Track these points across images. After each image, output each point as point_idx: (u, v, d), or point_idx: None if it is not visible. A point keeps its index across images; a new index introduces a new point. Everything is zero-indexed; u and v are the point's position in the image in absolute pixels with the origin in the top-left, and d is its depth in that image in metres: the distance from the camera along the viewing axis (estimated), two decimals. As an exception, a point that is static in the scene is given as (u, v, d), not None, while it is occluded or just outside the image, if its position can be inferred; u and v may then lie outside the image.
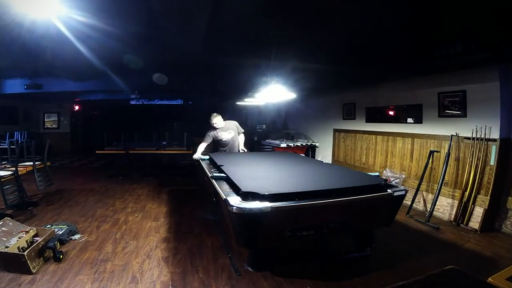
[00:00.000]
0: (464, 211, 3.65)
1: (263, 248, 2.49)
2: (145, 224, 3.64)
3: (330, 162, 6.06)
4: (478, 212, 3.52)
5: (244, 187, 2.29)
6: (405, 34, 2.90)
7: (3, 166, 4.16)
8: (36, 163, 4.37)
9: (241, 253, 2.79)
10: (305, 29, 2.83)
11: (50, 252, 2.65)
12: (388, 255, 2.89)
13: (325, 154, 6.95)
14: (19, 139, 6.72)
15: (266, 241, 2.30)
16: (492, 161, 3.44)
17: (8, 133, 6.97)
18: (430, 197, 4.19)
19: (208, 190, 3.38)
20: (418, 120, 4.48)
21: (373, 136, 5.43)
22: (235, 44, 3.30)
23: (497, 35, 2.67)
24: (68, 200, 4.63)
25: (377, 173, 3.13)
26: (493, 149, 3.43)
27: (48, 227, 3.08)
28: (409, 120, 4.67)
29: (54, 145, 8.52)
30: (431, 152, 4.06)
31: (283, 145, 6.79)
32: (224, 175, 2.81)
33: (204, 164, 3.75)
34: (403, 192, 2.53)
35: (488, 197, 3.44)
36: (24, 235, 2.70)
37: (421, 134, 4.41)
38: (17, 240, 2.59)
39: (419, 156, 4.45)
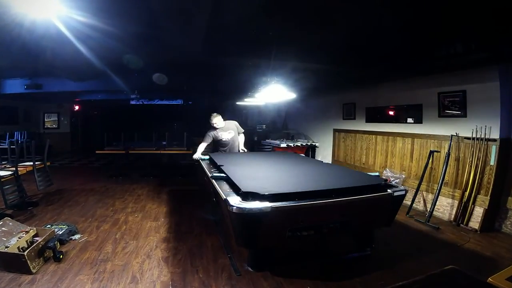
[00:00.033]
0: (464, 211, 3.65)
1: (263, 248, 2.49)
2: (145, 224, 3.64)
3: (330, 162, 6.06)
4: (478, 212, 3.52)
5: (244, 187, 2.29)
6: (405, 34, 2.90)
7: (3, 166, 4.16)
8: (36, 163, 4.37)
9: (241, 253, 2.79)
10: (305, 29, 2.83)
11: (50, 252, 2.65)
12: (388, 255, 2.89)
13: (325, 154, 6.95)
14: (19, 139, 6.72)
15: (266, 241, 2.30)
16: (492, 161, 3.44)
17: (8, 133, 6.97)
18: (430, 197, 4.19)
19: (208, 190, 3.38)
20: (418, 120, 4.48)
21: (373, 136, 5.43)
22: (235, 44, 3.30)
23: (497, 35, 2.67)
24: (68, 200, 4.63)
25: (377, 173, 3.13)
26: (493, 149, 3.43)
27: (48, 227, 3.08)
28: (409, 120, 4.67)
29: (54, 145, 8.52)
30: (431, 152, 4.06)
31: (283, 145, 6.79)
32: (224, 175, 2.81)
33: (204, 164, 3.75)
34: (403, 192, 2.53)
35: (488, 197, 3.44)
36: (24, 235, 2.70)
37: (421, 134, 4.42)
38: (17, 240, 2.59)
39: (419, 156, 4.45)
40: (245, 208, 2.06)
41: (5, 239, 2.61)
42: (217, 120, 4.38)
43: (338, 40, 3.19)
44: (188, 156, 6.30)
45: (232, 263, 2.65)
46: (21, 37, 2.69)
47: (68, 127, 11.11)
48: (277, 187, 2.37)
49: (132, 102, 9.50)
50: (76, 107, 10.98)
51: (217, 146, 4.61)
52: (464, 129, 3.73)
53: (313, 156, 7.13)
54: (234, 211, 2.07)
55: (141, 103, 9.73)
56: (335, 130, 6.67)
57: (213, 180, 2.74)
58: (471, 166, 3.61)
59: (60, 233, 3.05)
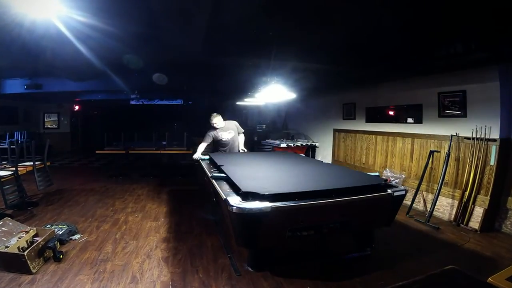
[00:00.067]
0: (464, 211, 3.65)
1: (263, 248, 2.49)
2: (145, 224, 3.64)
3: (330, 162, 6.06)
4: (478, 212, 3.52)
5: (244, 187, 2.29)
6: (405, 34, 2.90)
7: (3, 166, 4.16)
8: (36, 163, 4.37)
9: (241, 253, 2.79)
10: (305, 29, 2.83)
11: (50, 252, 2.65)
12: (388, 255, 2.89)
13: (325, 154, 6.95)
14: (19, 139, 6.72)
15: (266, 241, 2.30)
16: (492, 161, 3.44)
17: (8, 133, 6.97)
18: (430, 197, 4.19)
19: (208, 190, 3.38)
20: (418, 120, 4.48)
21: (373, 136, 5.43)
22: (235, 44, 3.30)
23: (497, 35, 2.67)
24: (68, 200, 4.63)
25: (377, 173, 3.13)
26: (493, 149, 3.43)
27: (48, 227, 3.08)
28: (409, 120, 4.67)
29: (54, 145, 8.52)
30: (431, 152, 4.06)
31: (283, 145, 6.79)
32: (224, 175, 2.81)
33: (204, 164, 3.75)
34: (403, 192, 2.53)
35: (488, 197, 3.44)
36: (24, 235, 2.70)
37: (421, 134, 4.41)
38: (17, 240, 2.59)
39: (419, 156, 4.45)
40: (245, 208, 2.06)
41: (5, 239, 2.61)
42: (217, 120, 4.38)
43: (338, 40, 3.19)
44: (188, 156, 6.30)
45: (232, 263, 2.65)
46: (21, 37, 2.69)
47: (68, 127, 11.11)
48: (277, 187, 2.37)
49: (132, 102, 9.50)
50: (76, 107, 10.98)
51: (217, 146, 4.60)
52: (464, 129, 3.73)
53: (313, 156, 7.13)
54: (234, 211, 2.07)
55: (141, 103, 9.73)
56: (335, 130, 6.67)
57: (213, 180, 2.74)
58: (471, 166, 3.61)
59: (60, 233, 3.05)
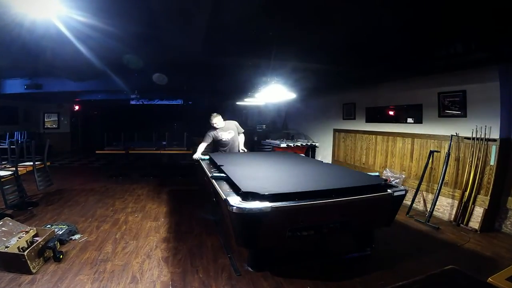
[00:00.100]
0: (464, 211, 3.65)
1: (263, 248, 2.49)
2: (145, 224, 3.64)
3: (330, 162, 6.06)
4: (478, 212, 3.52)
5: (244, 187, 2.29)
6: (405, 34, 2.90)
7: (3, 166, 4.16)
8: (36, 163, 4.37)
9: (241, 253, 2.79)
10: (305, 29, 2.83)
11: (50, 252, 2.65)
12: (388, 255, 2.89)
13: (325, 154, 6.95)
14: (19, 139, 6.72)
15: (266, 241, 2.30)
16: (492, 161, 3.44)
17: (8, 133, 6.97)
18: (430, 197, 4.20)
19: (208, 190, 3.38)
20: (418, 120, 4.48)
21: (373, 136, 5.43)
22: (235, 44, 3.30)
23: (497, 35, 2.67)
24: (68, 200, 4.63)
25: (377, 173, 3.13)
26: (493, 149, 3.43)
27: (48, 227, 3.08)
28: (409, 120, 4.67)
29: (54, 145, 8.52)
30: (431, 152, 4.06)
31: (283, 145, 6.79)
32: (224, 175, 2.81)
33: (204, 164, 3.75)
34: (403, 192, 2.53)
35: (488, 197, 3.44)
36: (24, 235, 2.70)
37: (421, 134, 4.41)
38: (17, 240, 2.59)
39: (419, 156, 4.45)
40: (245, 208, 2.06)
41: (5, 239, 2.61)
42: (217, 120, 4.38)
43: (338, 40, 3.19)
44: (188, 156, 6.30)
45: (232, 263, 2.65)
46: (21, 37, 2.69)
47: (68, 127, 11.11)
48: (277, 187, 2.37)
49: (132, 102, 9.50)
50: (76, 107, 10.98)
51: (217, 146, 4.60)
52: (464, 129, 3.73)
53: (313, 156, 7.13)
54: (234, 211, 2.07)
55: (141, 103, 9.73)
56: (335, 130, 6.67)
57: (213, 180, 2.74)
58: (471, 166, 3.61)
59: (60, 233, 3.05)
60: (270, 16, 2.48)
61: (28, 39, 2.78)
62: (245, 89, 5.76)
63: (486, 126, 3.48)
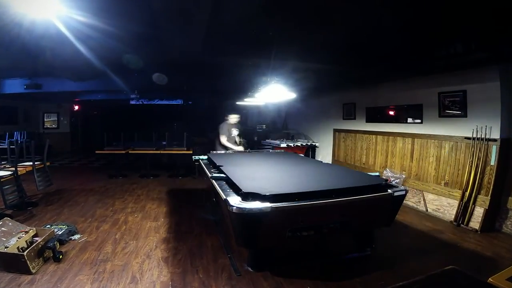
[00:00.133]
0: (464, 211, 3.65)
1: (263, 248, 2.49)
2: (145, 224, 3.64)
3: (330, 162, 6.06)
4: (479, 212, 3.52)
5: (245, 187, 2.29)
6: (405, 34, 2.90)
7: (2, 166, 4.15)
8: (35, 163, 4.37)
9: (241, 253, 2.79)
10: (305, 29, 2.83)
11: (50, 252, 2.65)
12: (388, 255, 2.89)
13: (325, 154, 6.94)
14: (19, 139, 6.70)
15: (266, 241, 2.30)
16: (493, 161, 3.44)
17: (7, 133, 6.96)
18: (430, 196, 4.19)
19: (208, 190, 3.38)
20: (419, 120, 4.48)
21: (373, 136, 5.43)
22: (235, 44, 3.29)
23: (497, 35, 2.66)
24: (68, 200, 4.62)
25: (377, 173, 3.13)
26: (494, 149, 3.43)
27: (48, 227, 3.08)
28: (409, 120, 4.67)
29: (54, 145, 8.51)
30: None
31: (283, 145, 6.78)
32: (224, 175, 2.81)
33: (204, 164, 3.74)
34: (403, 192, 2.52)
35: (489, 197, 3.44)
36: (23, 235, 2.70)
37: (421, 134, 4.41)
38: (17, 240, 2.59)
39: (419, 156, 4.45)
40: (245, 208, 2.05)
41: (4, 239, 2.61)
42: (233, 117, 5.29)
43: (338, 40, 3.19)
44: (188, 156, 6.30)
45: (232, 263, 2.65)
46: (21, 37, 2.69)
47: (68, 127, 11.11)
48: (277, 188, 2.36)
49: (132, 102, 9.49)
50: (76, 107, 10.98)
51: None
52: (465, 129, 3.73)
53: (313, 156, 7.13)
54: (234, 211, 2.07)
55: (141, 103, 9.72)
56: (335, 130, 6.66)
57: (213, 180, 2.74)
58: (471, 166, 3.61)
59: (60, 233, 3.05)
60: (270, 16, 2.48)
61: (27, 39, 2.78)
62: (245, 89, 5.74)
63: (486, 126, 3.48)
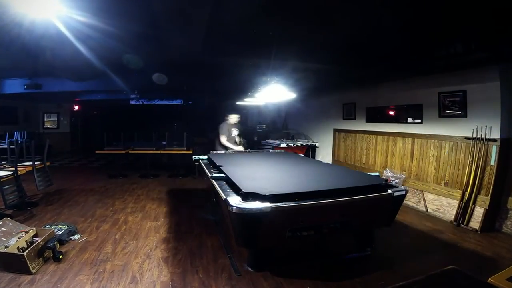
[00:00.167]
0: (464, 211, 3.64)
1: (263, 248, 2.49)
2: (145, 224, 3.64)
3: (330, 162, 6.06)
4: (479, 212, 3.52)
5: (245, 187, 2.29)
6: (405, 34, 2.90)
7: (2, 166, 4.15)
8: (35, 163, 4.37)
9: (241, 253, 2.79)
10: (305, 29, 2.83)
11: (50, 252, 2.64)
12: (388, 255, 2.89)
13: (325, 154, 6.94)
14: (19, 139, 6.70)
15: (266, 241, 2.30)
16: (493, 161, 3.44)
17: (7, 133, 6.96)
18: (430, 196, 4.19)
19: (208, 190, 3.38)
20: (419, 120, 4.48)
21: (373, 136, 5.43)
22: (235, 44, 3.29)
23: (497, 35, 2.66)
24: (68, 200, 4.62)
25: (377, 173, 3.13)
26: (494, 149, 3.43)
27: (48, 227, 3.08)
28: (409, 120, 4.67)
29: (54, 145, 8.51)
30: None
31: (283, 145, 6.78)
32: (224, 175, 2.81)
33: (204, 164, 3.74)
34: (403, 192, 2.52)
35: (489, 197, 3.44)
36: (23, 235, 2.70)
37: (422, 134, 4.41)
38: (17, 240, 2.59)
39: (420, 156, 4.45)
40: (245, 208, 2.05)
41: (4, 239, 2.61)
42: (233, 117, 5.29)
43: (338, 40, 3.19)
44: (188, 156, 6.30)
45: (232, 263, 2.65)
46: (21, 37, 2.69)
47: (68, 127, 11.11)
48: (277, 188, 2.36)
49: (132, 102, 9.49)
50: (76, 107, 10.98)
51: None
52: (465, 129, 3.73)
53: (313, 156, 7.13)
54: (234, 211, 2.07)
55: (141, 103, 9.73)
56: (335, 130, 6.66)
57: (213, 180, 2.74)
58: (471, 166, 3.61)
59: (60, 233, 3.05)
60: (270, 16, 2.48)
61: (27, 39, 2.78)
62: (245, 89, 5.75)
63: (486, 126, 3.48)
